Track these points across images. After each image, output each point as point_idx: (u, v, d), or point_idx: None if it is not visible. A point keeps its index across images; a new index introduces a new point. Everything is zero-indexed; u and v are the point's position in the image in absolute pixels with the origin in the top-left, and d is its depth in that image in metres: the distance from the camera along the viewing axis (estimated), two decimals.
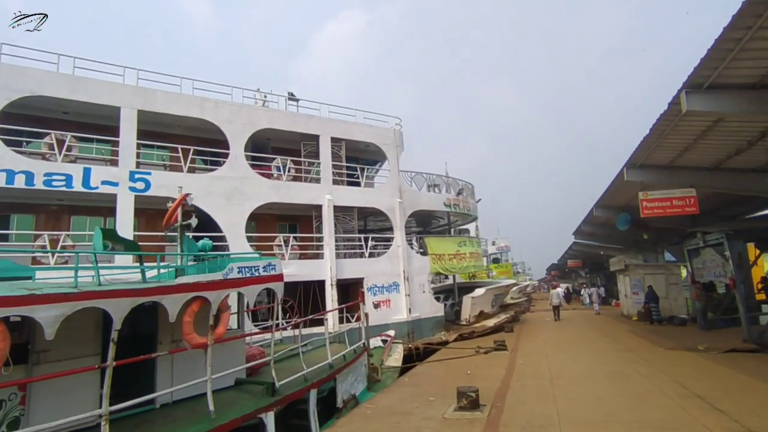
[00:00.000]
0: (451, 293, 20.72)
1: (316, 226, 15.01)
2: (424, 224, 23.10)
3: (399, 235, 15.87)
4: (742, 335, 11.68)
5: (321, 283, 13.82)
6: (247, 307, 7.64)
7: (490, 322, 17.36)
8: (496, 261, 58.97)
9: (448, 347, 13.94)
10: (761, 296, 13.83)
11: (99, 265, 5.32)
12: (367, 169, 17.54)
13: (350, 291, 14.82)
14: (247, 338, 8.98)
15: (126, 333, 5.96)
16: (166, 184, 11.34)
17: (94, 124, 12.12)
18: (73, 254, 5.41)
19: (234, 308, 7.47)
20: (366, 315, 10.13)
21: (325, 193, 14.54)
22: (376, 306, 14.62)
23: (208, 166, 13.84)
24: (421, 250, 17.64)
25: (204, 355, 5.71)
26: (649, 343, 12.81)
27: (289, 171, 14.33)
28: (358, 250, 15.65)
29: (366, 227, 19.49)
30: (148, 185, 11.42)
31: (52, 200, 11.34)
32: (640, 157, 10.83)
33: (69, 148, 10.98)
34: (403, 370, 11.13)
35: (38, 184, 10.05)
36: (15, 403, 4.69)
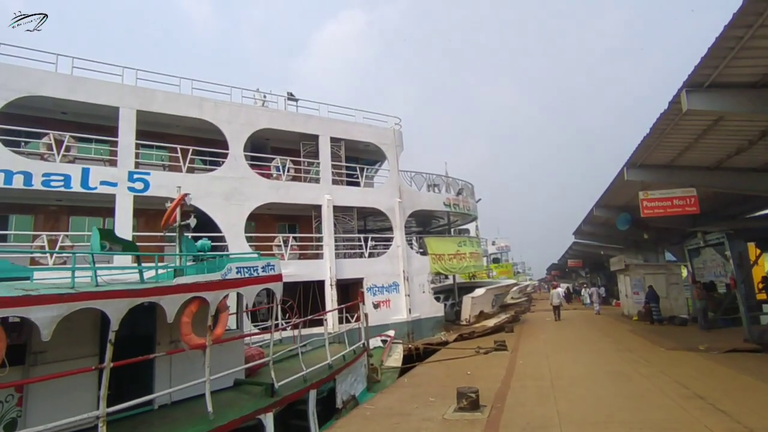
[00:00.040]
0: (451, 293, 20.70)
1: (315, 226, 14.98)
2: (423, 224, 23.07)
3: (399, 235, 15.84)
4: (743, 335, 11.65)
5: (320, 284, 13.79)
6: (246, 307, 7.61)
7: (490, 323, 17.33)
8: (496, 261, 58.94)
9: (448, 347, 13.91)
10: (762, 296, 13.81)
11: (97, 265, 5.31)
12: (367, 169, 17.51)
13: (350, 291, 14.79)
14: (246, 339, 8.97)
15: (124, 334, 5.93)
16: (165, 184, 11.30)
17: (92, 125, 12.09)
18: (71, 255, 5.38)
19: (233, 309, 7.45)
20: (365, 315, 10.10)
21: (324, 193, 14.51)
22: (376, 306, 14.59)
23: (208, 167, 13.82)
24: (421, 250, 17.61)
25: (203, 356, 5.68)
26: (650, 343, 12.78)
27: (288, 171, 14.30)
28: (357, 250, 15.62)
29: (366, 227, 19.46)
30: (147, 185, 11.39)
31: (51, 201, 11.31)
32: (641, 157, 10.79)
33: (67, 149, 10.95)
34: (403, 371, 11.11)
35: (36, 184, 10.02)
36: (12, 404, 4.66)
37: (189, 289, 5.44)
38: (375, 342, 12.09)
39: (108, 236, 6.01)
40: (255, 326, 11.35)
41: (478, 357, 11.85)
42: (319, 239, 14.28)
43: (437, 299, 17.83)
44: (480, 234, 35.52)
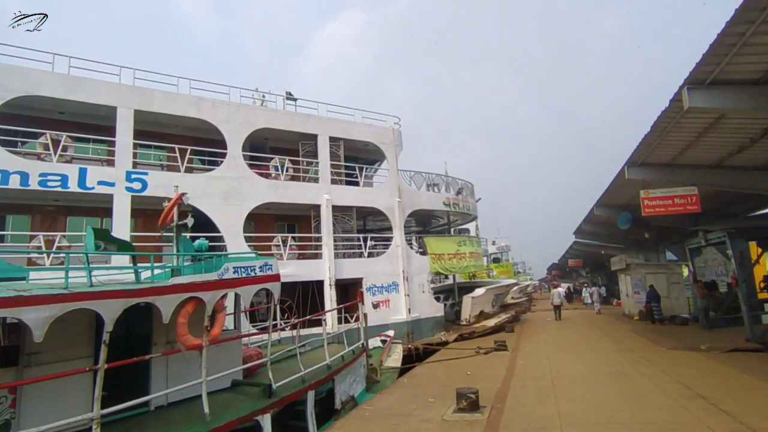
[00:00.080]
0: (451, 293, 20.64)
1: (314, 226, 14.93)
2: (423, 224, 23.02)
3: (398, 235, 15.78)
4: (745, 334, 11.58)
5: (320, 284, 13.73)
6: (244, 307, 7.55)
7: (491, 322, 17.27)
8: (496, 261, 58.87)
9: (448, 348, 13.85)
10: (763, 295, 13.76)
11: (94, 266, 5.25)
12: (366, 168, 17.46)
13: (349, 291, 14.73)
14: (244, 339, 8.91)
15: (120, 334, 5.90)
16: (163, 184, 11.23)
17: (90, 124, 12.03)
18: (65, 255, 5.32)
19: (230, 309, 7.39)
20: (365, 315, 10.04)
21: (323, 193, 14.45)
22: (375, 306, 14.53)
23: (206, 166, 13.77)
24: (421, 250, 17.56)
25: (199, 357, 5.62)
26: (651, 342, 12.71)
27: (287, 171, 14.24)
28: (357, 250, 15.56)
29: (365, 227, 19.40)
30: (144, 185, 11.34)
31: (48, 201, 11.26)
32: (641, 155, 10.73)
33: (65, 149, 10.90)
34: (403, 371, 11.05)
35: (33, 184, 9.96)
36: (5, 406, 4.61)
37: (185, 289, 5.39)
38: (374, 342, 12.03)
39: (103, 236, 5.95)
40: (254, 326, 11.30)
41: (478, 357, 11.79)
42: (318, 239, 14.23)
43: (437, 299, 17.77)
44: (480, 234, 35.46)
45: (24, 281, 5.55)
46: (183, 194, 6.83)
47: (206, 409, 5.34)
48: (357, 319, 11.08)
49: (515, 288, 26.04)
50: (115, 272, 7.52)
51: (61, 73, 11.14)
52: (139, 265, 6.67)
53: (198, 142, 13.44)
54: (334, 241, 14.41)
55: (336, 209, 14.81)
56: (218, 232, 12.06)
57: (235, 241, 12.18)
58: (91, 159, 12.00)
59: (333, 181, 15.10)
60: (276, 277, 6.75)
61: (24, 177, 9.90)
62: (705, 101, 7.08)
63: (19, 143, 11.21)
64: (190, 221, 6.84)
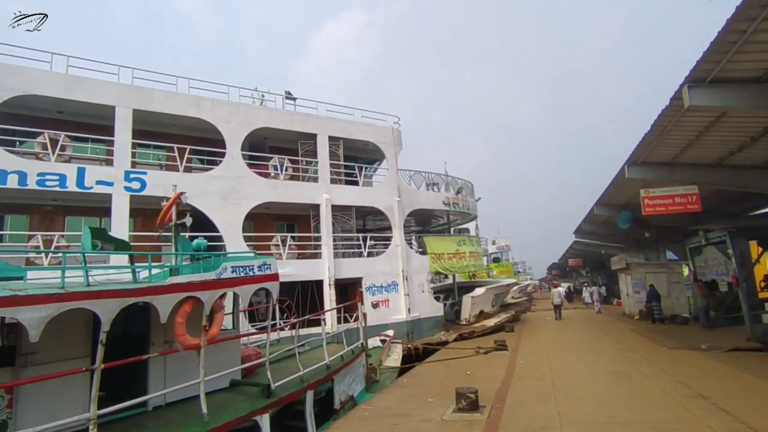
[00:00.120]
0: (450, 293, 20.61)
1: (314, 226, 14.89)
2: (423, 223, 22.98)
3: (398, 235, 15.75)
4: (745, 334, 11.54)
5: (319, 283, 13.70)
6: (242, 307, 7.52)
7: (491, 322, 17.24)
8: (496, 260, 58.85)
9: (448, 347, 13.82)
10: (764, 294, 13.71)
11: (92, 265, 5.22)
12: (366, 168, 17.42)
13: (349, 291, 14.70)
14: (243, 339, 8.88)
15: (118, 334, 5.87)
16: (162, 183, 11.20)
17: (89, 124, 12.00)
18: (62, 254, 5.29)
19: (229, 308, 7.36)
20: (364, 315, 10.00)
21: (323, 193, 14.42)
22: (375, 306, 14.50)
23: (205, 166, 13.73)
24: (420, 250, 17.53)
25: (197, 357, 5.59)
26: (651, 342, 12.68)
27: (286, 170, 14.21)
28: (356, 250, 15.53)
29: (365, 226, 19.37)
30: (143, 185, 11.31)
31: (46, 200, 11.23)
32: (642, 154, 10.70)
33: (63, 148, 10.87)
34: (402, 371, 11.01)
35: (31, 184, 9.93)
36: (2, 406, 4.57)
37: (182, 288, 5.35)
38: (374, 342, 12.00)
39: (100, 235, 5.92)
40: (253, 326, 11.27)
41: (477, 357, 11.76)
42: (318, 239, 14.20)
43: (437, 299, 17.74)
44: (480, 233, 35.43)
45: (21, 281, 5.52)
46: (181, 193, 6.80)
47: (204, 409, 5.31)
48: (356, 319, 11.05)
49: (515, 288, 26.04)
50: (113, 272, 7.50)
51: (59, 72, 11.12)
52: (137, 264, 6.63)
53: (197, 142, 13.41)
54: (334, 240, 14.38)
55: (335, 209, 14.78)
56: (217, 231, 12.03)
57: (235, 240, 12.15)
58: (89, 159, 11.97)
59: (332, 181, 15.07)
60: (274, 277, 6.71)
61: (22, 176, 9.87)
62: (706, 99, 7.05)
63: (18, 143, 11.19)
64: (188, 220, 6.82)
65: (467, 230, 31.38)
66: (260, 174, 13.70)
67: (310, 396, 6.96)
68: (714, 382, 7.67)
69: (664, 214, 12.34)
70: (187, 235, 8.22)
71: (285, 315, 12.42)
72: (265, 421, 5.86)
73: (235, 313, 7.70)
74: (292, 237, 13.98)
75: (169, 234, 6.88)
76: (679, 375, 8.28)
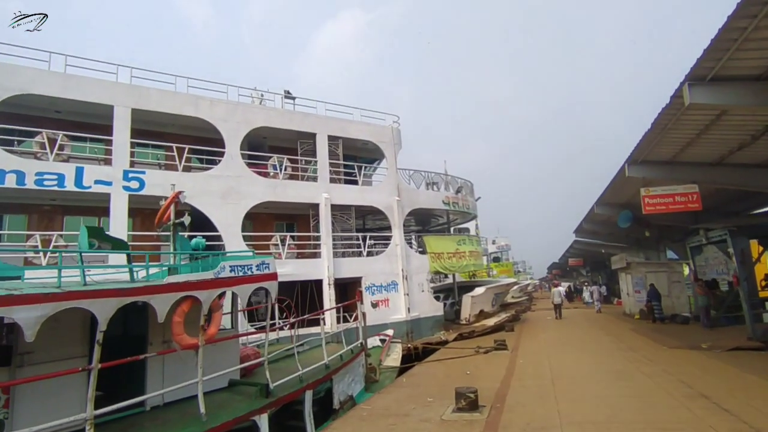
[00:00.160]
0: (450, 292, 20.58)
1: (313, 225, 14.86)
2: (423, 223, 22.95)
3: (397, 234, 15.71)
4: (746, 333, 11.51)
5: (318, 283, 13.67)
6: (241, 306, 7.50)
7: (490, 322, 17.21)
8: (496, 260, 58.83)
9: (448, 347, 13.79)
10: (765, 293, 13.66)
11: (89, 265, 5.19)
12: (365, 167, 17.38)
13: (348, 290, 14.67)
14: (243, 338, 8.85)
15: (116, 334, 5.84)
16: (160, 183, 11.17)
17: (87, 123, 11.95)
18: (59, 254, 5.26)
19: (228, 308, 7.33)
20: (363, 314, 9.97)
21: (322, 192, 14.39)
22: (375, 305, 14.46)
23: (204, 165, 13.70)
24: (420, 249, 17.49)
25: (195, 356, 5.56)
26: (652, 341, 12.65)
27: (285, 169, 14.17)
28: (356, 249, 15.50)
29: (364, 226, 19.33)
30: (142, 184, 11.27)
31: (45, 200, 11.20)
32: (642, 153, 10.66)
33: (61, 147, 10.82)
34: (402, 370, 10.99)
35: (29, 183, 9.90)
36: None
37: (180, 288, 5.33)
38: (373, 341, 11.97)
39: (97, 234, 5.88)
40: (253, 326, 11.24)
41: (477, 356, 11.73)
42: (317, 238, 14.16)
43: (437, 298, 17.71)
44: (480, 233, 35.40)
45: (19, 280, 5.50)
46: (179, 192, 6.78)
47: (202, 409, 5.29)
48: (356, 319, 11.02)
49: (515, 287, 26.00)
50: (112, 271, 7.47)
51: (57, 71, 11.07)
52: (135, 264, 6.60)
53: (196, 141, 13.38)
54: (333, 240, 14.34)
55: (335, 208, 14.75)
56: (217, 231, 11.99)
57: (234, 240, 12.12)
58: (88, 158, 11.94)
59: (332, 180, 15.03)
60: (273, 276, 6.68)
61: (20, 176, 9.84)
62: (706, 97, 7.01)
63: (16, 142, 11.16)
64: (186, 220, 6.80)
65: (467, 230, 31.36)
66: (259, 173, 13.66)
67: (309, 396, 6.93)
68: (715, 382, 7.64)
69: (664, 213, 12.29)
70: (186, 234, 8.19)
71: (284, 314, 12.39)
72: (263, 421, 5.83)
73: (234, 312, 7.68)
74: (292, 236, 13.95)
75: (168, 233, 6.85)
76: (680, 374, 8.24)
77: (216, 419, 5.31)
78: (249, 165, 13.54)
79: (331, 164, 15.08)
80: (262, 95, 15.36)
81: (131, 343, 6.06)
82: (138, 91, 12.03)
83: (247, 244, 12.59)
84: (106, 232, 7.08)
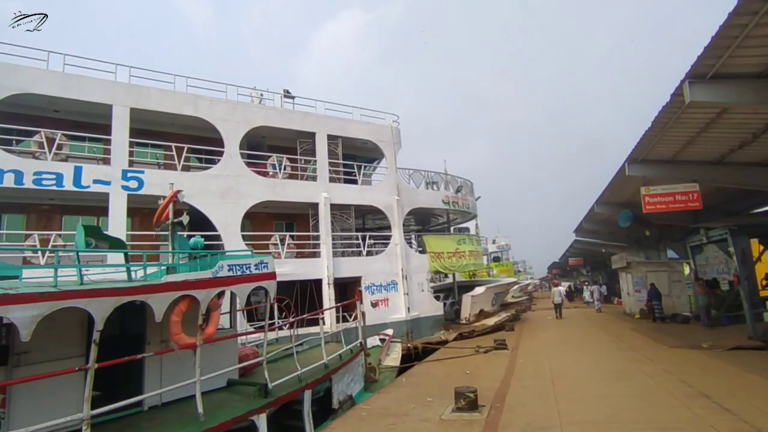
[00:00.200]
0: (450, 292, 20.55)
1: (312, 225, 14.82)
2: (422, 222, 22.92)
3: (397, 234, 15.68)
4: (747, 332, 11.49)
5: (318, 282, 13.65)
6: (240, 306, 7.47)
7: (490, 321, 17.19)
8: (496, 259, 58.79)
9: (448, 347, 13.77)
10: (765, 293, 13.62)
11: (87, 264, 5.16)
12: (365, 166, 17.35)
13: (348, 290, 14.64)
14: (242, 338, 8.82)
15: (114, 333, 5.81)
16: (159, 182, 11.14)
17: (86, 123, 11.92)
18: (55, 253, 5.24)
19: (226, 307, 7.30)
20: (363, 314, 9.95)
21: (321, 191, 14.36)
22: (374, 305, 14.43)
23: (203, 165, 13.67)
24: (420, 249, 17.46)
25: (194, 356, 5.54)
26: (652, 341, 12.62)
27: (285, 169, 14.14)
28: (355, 249, 15.47)
29: (364, 225, 19.31)
30: (141, 184, 11.25)
31: (44, 200, 11.17)
32: (642, 152, 10.62)
33: (60, 147, 10.79)
34: (402, 370, 10.96)
35: (28, 183, 9.87)
36: None
37: (178, 287, 5.30)
38: (373, 341, 11.94)
39: (94, 233, 5.86)
40: (252, 325, 11.22)
41: (477, 356, 11.70)
42: (317, 238, 14.13)
43: (437, 298, 17.67)
44: (480, 232, 35.37)
45: (17, 280, 5.47)
46: (178, 191, 6.75)
47: (200, 409, 5.26)
48: (355, 318, 10.99)
49: (515, 287, 25.97)
50: (110, 270, 7.43)
51: (55, 70, 11.04)
52: (133, 263, 6.58)
53: (195, 141, 13.35)
54: (333, 239, 14.32)
55: (334, 208, 14.72)
56: (216, 230, 11.97)
57: (233, 239, 12.09)
58: (86, 158, 11.91)
59: (331, 180, 15.00)
60: (272, 275, 6.66)
61: (18, 176, 9.81)
62: (707, 95, 6.97)
63: (14, 141, 11.13)
64: (185, 219, 6.77)
65: (467, 229, 31.33)
66: (259, 173, 13.63)
67: (308, 395, 6.90)
68: (716, 381, 7.61)
69: (664, 212, 12.26)
70: (185, 234, 8.16)
71: (283, 314, 12.37)
72: (262, 421, 5.80)
73: (232, 312, 7.65)
74: (291, 236, 13.92)
75: (166, 233, 6.83)
76: (680, 374, 8.22)
77: (214, 419, 5.28)
78: (248, 164, 13.51)
79: (330, 163, 15.05)
80: (261, 95, 15.33)
81: (129, 342, 6.03)
82: (137, 91, 12.00)
83: (247, 244, 12.56)
84: (104, 232, 7.06)
